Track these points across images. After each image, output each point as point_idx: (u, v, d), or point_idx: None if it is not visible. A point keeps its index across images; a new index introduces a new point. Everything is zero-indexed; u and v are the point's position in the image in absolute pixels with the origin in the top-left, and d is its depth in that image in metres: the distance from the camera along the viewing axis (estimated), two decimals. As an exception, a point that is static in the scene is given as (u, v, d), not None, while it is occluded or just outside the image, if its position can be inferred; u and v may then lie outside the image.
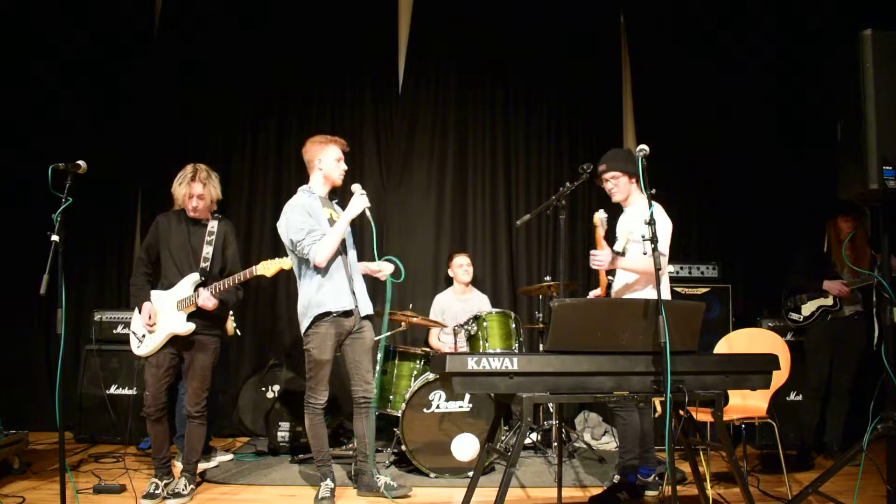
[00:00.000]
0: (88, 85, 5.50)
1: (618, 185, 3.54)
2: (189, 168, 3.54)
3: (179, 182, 3.51)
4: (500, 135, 5.75)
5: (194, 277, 3.48)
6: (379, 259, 3.64)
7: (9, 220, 5.29)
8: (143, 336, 3.50)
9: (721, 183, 5.60)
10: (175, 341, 3.46)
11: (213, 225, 3.58)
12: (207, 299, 3.39)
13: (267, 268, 3.42)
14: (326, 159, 3.55)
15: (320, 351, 3.42)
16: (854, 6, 4.83)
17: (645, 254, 3.21)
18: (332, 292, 3.42)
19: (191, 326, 3.43)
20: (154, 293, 3.53)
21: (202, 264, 3.51)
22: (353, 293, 3.49)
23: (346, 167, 3.61)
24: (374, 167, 5.64)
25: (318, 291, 3.42)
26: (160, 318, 3.46)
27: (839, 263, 4.30)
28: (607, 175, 3.54)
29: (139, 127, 5.47)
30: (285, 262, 3.43)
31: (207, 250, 3.53)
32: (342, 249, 3.50)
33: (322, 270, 3.42)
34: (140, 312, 3.49)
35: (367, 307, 3.59)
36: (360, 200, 3.45)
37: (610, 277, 3.58)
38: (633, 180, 3.56)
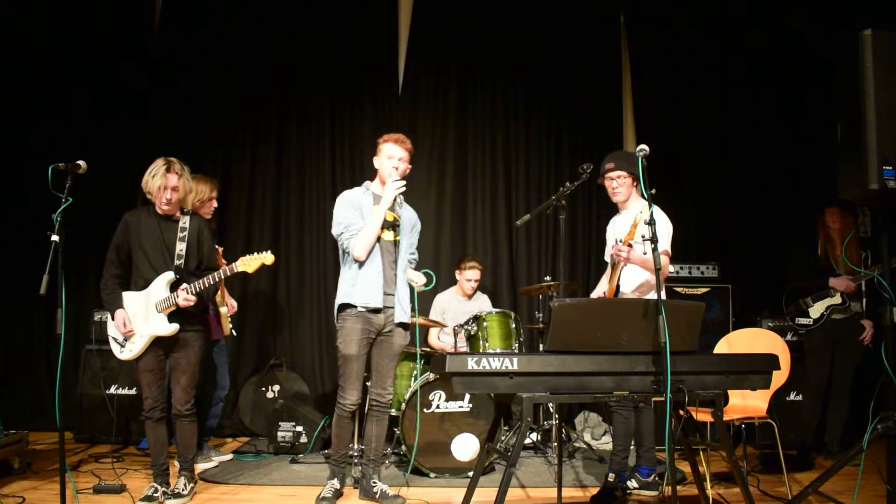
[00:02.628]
0: (88, 85, 5.51)
1: (623, 185, 3.52)
2: (161, 161, 3.42)
3: (153, 174, 3.38)
4: (500, 135, 5.76)
5: (168, 276, 3.39)
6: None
7: (9, 220, 5.29)
8: (125, 340, 3.43)
9: (721, 183, 5.60)
10: (160, 342, 3.40)
11: (184, 220, 3.49)
12: (186, 299, 3.33)
13: (248, 264, 3.38)
14: (380, 158, 3.53)
15: (345, 345, 3.41)
16: (854, 6, 4.83)
17: (645, 253, 3.20)
18: (363, 288, 3.40)
19: (175, 327, 3.36)
20: (128, 295, 3.42)
21: (176, 261, 3.43)
22: (389, 294, 3.45)
23: (399, 165, 3.47)
24: (373, 168, 5.62)
25: (350, 284, 3.44)
26: (138, 322, 3.38)
27: (834, 261, 4.31)
28: (613, 174, 3.51)
29: (138, 127, 5.46)
30: (266, 258, 3.40)
31: (181, 247, 3.45)
32: (387, 249, 3.47)
33: (358, 265, 3.43)
34: (114, 320, 3.41)
35: (401, 314, 3.50)
36: (389, 188, 3.40)
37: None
38: (636, 184, 3.55)
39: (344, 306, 3.45)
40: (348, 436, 3.51)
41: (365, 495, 3.52)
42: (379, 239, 3.45)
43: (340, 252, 3.56)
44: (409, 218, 3.64)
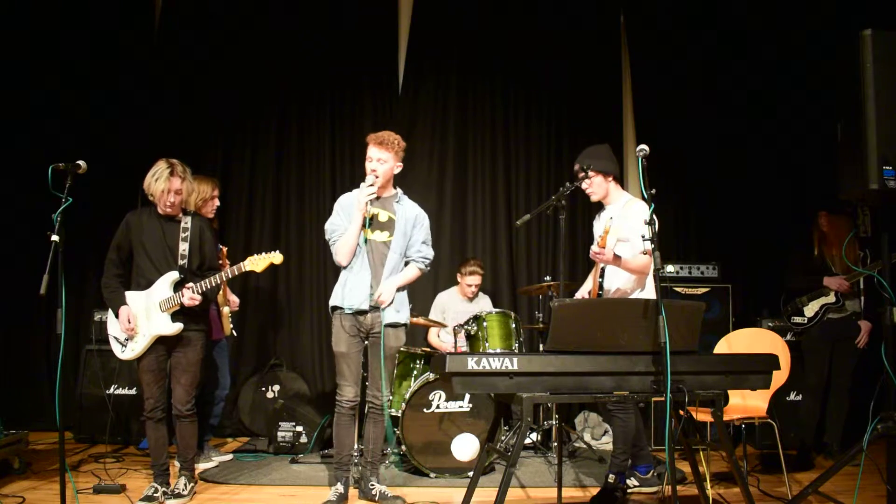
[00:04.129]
0: (88, 85, 5.50)
1: (591, 184, 3.52)
2: (164, 163, 3.42)
3: (156, 177, 3.39)
4: (500, 135, 5.75)
5: (173, 276, 3.41)
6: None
7: (9, 221, 5.29)
8: (126, 340, 3.44)
9: (721, 183, 5.60)
10: (162, 341, 3.41)
11: (186, 221, 3.50)
12: (192, 298, 3.34)
13: (256, 263, 3.41)
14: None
15: (335, 342, 3.43)
16: (854, 6, 4.83)
17: (645, 253, 3.20)
18: (350, 290, 3.40)
19: (179, 326, 3.37)
20: (130, 295, 3.43)
21: (180, 262, 3.44)
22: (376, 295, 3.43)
23: (377, 167, 3.40)
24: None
25: (340, 286, 3.45)
26: (140, 322, 3.39)
27: (830, 261, 4.32)
28: (580, 174, 3.52)
29: (139, 127, 5.46)
30: (275, 257, 3.42)
31: (184, 247, 3.46)
32: (379, 249, 3.45)
33: (346, 268, 3.44)
34: (117, 317, 3.41)
35: (390, 315, 3.44)
36: (360, 193, 3.36)
37: (600, 279, 3.57)
38: (610, 178, 3.54)
39: (333, 308, 3.47)
40: (349, 437, 3.47)
41: (364, 496, 3.51)
42: (367, 240, 3.44)
43: None
44: (409, 216, 3.58)
